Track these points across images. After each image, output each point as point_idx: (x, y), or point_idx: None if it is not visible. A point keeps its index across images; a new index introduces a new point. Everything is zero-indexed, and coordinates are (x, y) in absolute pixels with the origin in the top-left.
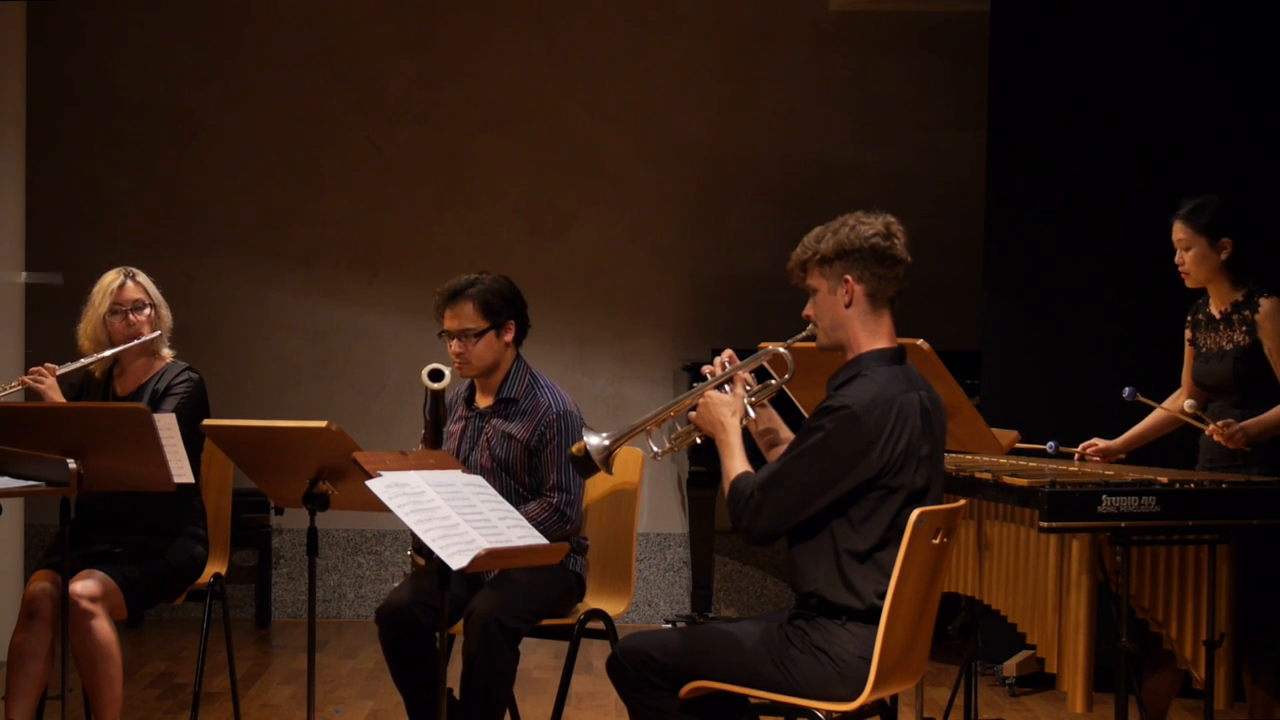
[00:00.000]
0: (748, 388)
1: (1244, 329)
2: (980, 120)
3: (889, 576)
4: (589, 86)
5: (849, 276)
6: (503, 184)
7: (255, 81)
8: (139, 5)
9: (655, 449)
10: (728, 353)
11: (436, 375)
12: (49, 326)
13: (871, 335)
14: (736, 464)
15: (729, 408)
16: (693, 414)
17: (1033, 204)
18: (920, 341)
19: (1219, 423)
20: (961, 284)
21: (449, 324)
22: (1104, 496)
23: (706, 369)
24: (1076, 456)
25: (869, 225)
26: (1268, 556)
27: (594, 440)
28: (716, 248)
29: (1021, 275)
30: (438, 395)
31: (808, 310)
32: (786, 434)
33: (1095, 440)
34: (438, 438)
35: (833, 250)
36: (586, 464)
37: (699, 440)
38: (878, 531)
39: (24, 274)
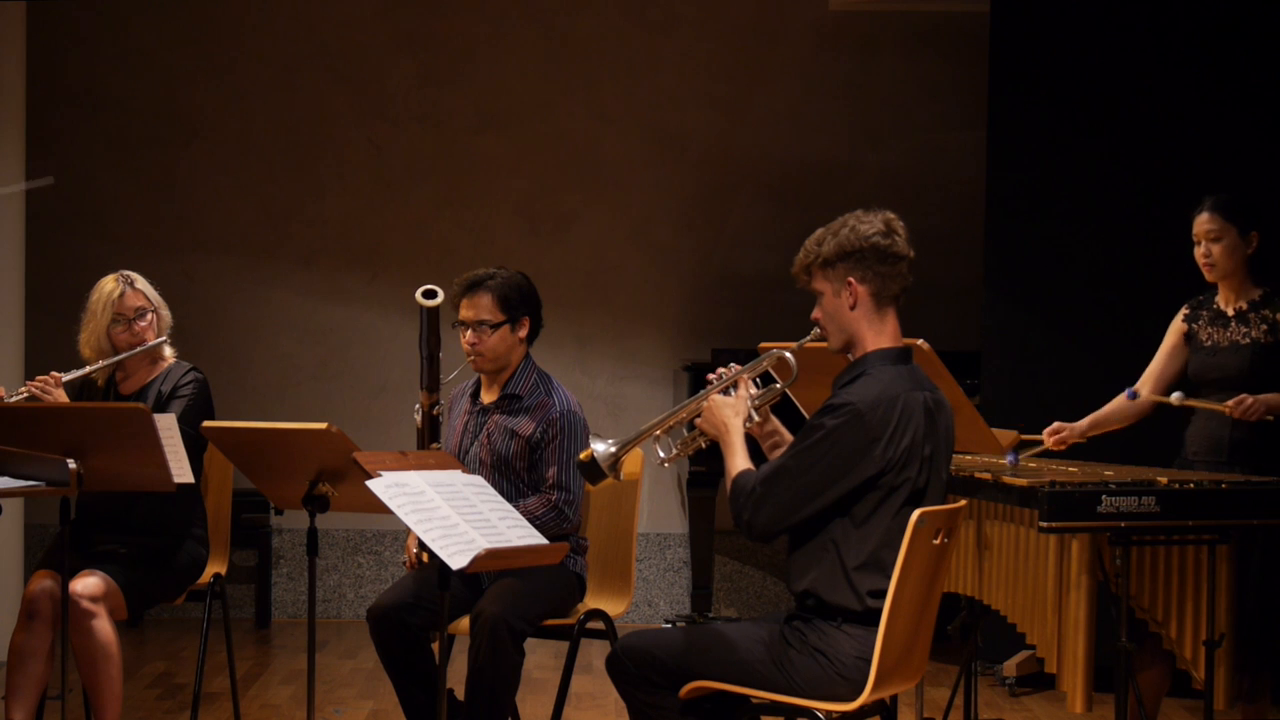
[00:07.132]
0: (751, 391)
1: (1263, 327)
2: (980, 120)
3: (888, 577)
4: (589, 86)
5: (852, 278)
6: (503, 184)
7: (255, 81)
8: (139, 5)
9: (662, 454)
10: (733, 365)
11: (430, 294)
12: (50, 326)
13: (877, 335)
14: (739, 461)
15: (733, 409)
16: (698, 419)
17: (1033, 204)
18: (920, 341)
19: (1232, 400)
20: (961, 284)
21: (465, 314)
22: (1104, 496)
23: (710, 376)
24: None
25: (869, 224)
26: (1242, 560)
27: (601, 447)
28: (716, 248)
29: (1021, 275)
30: (433, 317)
31: (816, 313)
32: (788, 438)
33: (1057, 424)
34: (433, 374)
35: (834, 252)
36: (594, 470)
37: (704, 445)
38: (878, 532)
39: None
